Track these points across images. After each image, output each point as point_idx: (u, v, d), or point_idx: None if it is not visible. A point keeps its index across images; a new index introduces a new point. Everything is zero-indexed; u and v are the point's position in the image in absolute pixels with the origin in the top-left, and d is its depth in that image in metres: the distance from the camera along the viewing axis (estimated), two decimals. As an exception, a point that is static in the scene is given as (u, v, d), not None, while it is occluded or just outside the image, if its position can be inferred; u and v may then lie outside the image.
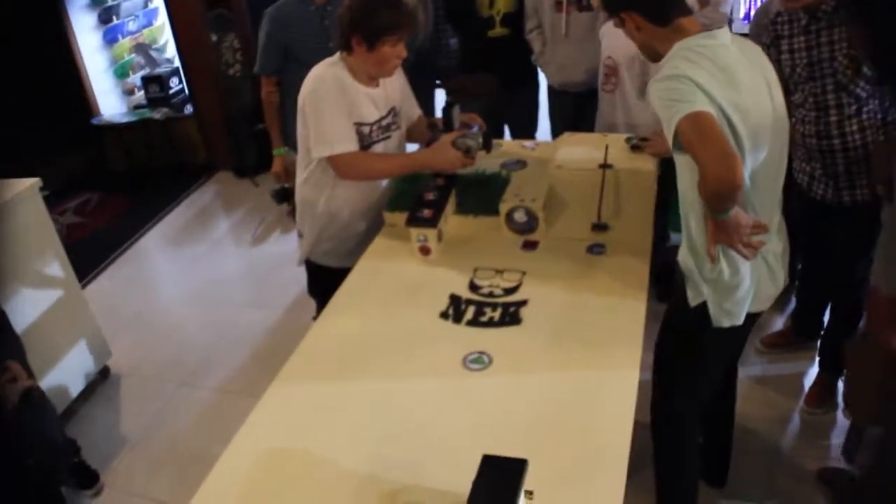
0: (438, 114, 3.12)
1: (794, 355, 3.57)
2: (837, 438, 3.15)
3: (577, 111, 4.10)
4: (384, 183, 2.96)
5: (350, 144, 2.71)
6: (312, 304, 3.37)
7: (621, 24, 2.17)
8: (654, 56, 2.17)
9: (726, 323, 2.19)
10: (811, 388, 3.35)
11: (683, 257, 2.21)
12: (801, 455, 3.08)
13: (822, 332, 3.43)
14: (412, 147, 3.30)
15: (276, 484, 1.82)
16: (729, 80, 1.96)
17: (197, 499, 1.79)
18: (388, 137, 2.90)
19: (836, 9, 2.68)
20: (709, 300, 2.17)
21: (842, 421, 3.21)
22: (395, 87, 2.92)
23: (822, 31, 2.72)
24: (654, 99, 1.97)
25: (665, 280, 4.26)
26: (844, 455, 2.99)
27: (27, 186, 3.51)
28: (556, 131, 4.25)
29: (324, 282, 2.90)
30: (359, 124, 2.75)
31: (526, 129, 4.40)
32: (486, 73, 4.11)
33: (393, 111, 2.91)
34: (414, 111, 3.09)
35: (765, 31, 2.94)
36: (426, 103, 4.41)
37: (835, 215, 2.98)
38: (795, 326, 3.59)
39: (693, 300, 2.20)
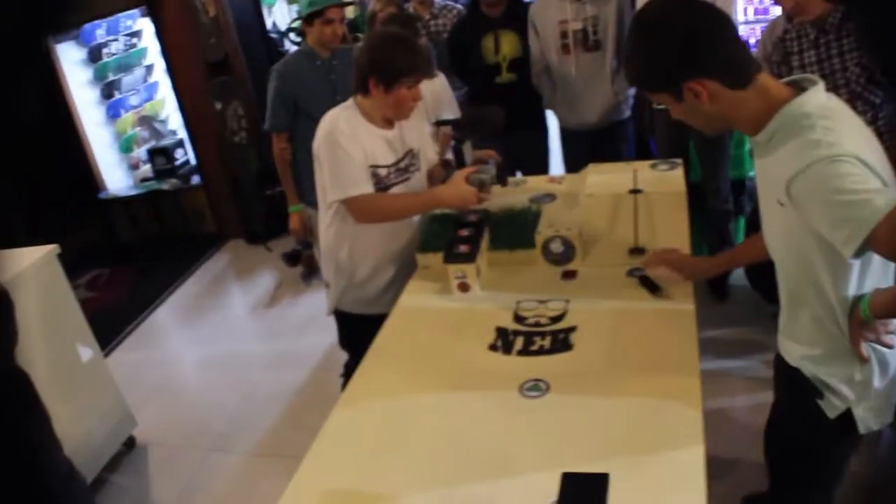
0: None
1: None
2: (887, 451, 3.08)
3: (592, 150, 4.11)
4: (414, 221, 2.94)
5: (364, 187, 2.70)
6: (337, 363, 3.32)
7: (678, 100, 1.72)
8: (722, 129, 1.84)
9: (876, 425, 1.92)
10: None
11: (815, 369, 1.91)
12: (854, 469, 2.99)
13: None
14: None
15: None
16: (867, 144, 1.66)
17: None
18: (407, 180, 2.88)
19: (843, 20, 2.71)
20: (854, 406, 1.88)
21: (888, 434, 3.14)
22: (413, 129, 2.91)
23: (832, 42, 2.74)
24: (814, 193, 1.60)
25: (720, 278, 4.24)
26: None
27: (45, 253, 3.49)
28: (569, 171, 4.26)
29: (355, 331, 2.85)
30: (374, 167, 2.75)
31: (538, 172, 4.41)
32: (493, 106, 4.11)
33: (410, 153, 2.90)
34: (433, 154, 3.09)
35: (774, 50, 2.96)
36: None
37: None
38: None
39: (833, 411, 1.90)
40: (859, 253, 1.56)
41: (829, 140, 1.57)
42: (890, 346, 1.80)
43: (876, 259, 1.72)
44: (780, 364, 2.05)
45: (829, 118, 1.62)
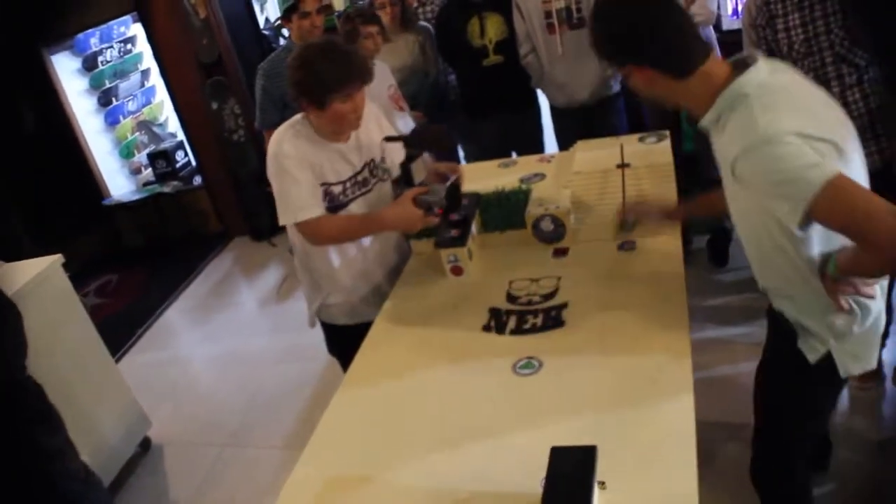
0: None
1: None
2: (891, 408, 3.14)
3: (583, 127, 4.11)
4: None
5: (312, 210, 2.51)
6: (346, 354, 3.36)
7: (627, 75, 1.84)
8: (672, 106, 1.91)
9: (857, 370, 1.94)
10: None
11: (797, 314, 1.94)
12: (859, 428, 3.06)
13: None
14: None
15: (346, 508, 1.80)
16: (811, 112, 1.68)
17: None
18: (368, 191, 2.71)
19: None
20: (835, 351, 1.90)
21: (892, 390, 3.18)
22: (372, 136, 2.71)
23: (816, 4, 2.73)
24: (755, 174, 1.65)
25: (719, 245, 4.28)
26: None
27: (49, 263, 3.54)
28: (564, 149, 4.27)
29: (342, 340, 2.76)
30: (327, 184, 2.58)
31: (533, 152, 4.41)
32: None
33: (372, 163, 2.72)
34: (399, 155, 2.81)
35: (759, 14, 2.96)
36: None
37: None
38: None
39: (813, 354, 1.93)
40: (803, 224, 1.63)
41: (766, 119, 1.61)
42: (871, 297, 1.82)
43: None
44: (769, 307, 2.07)
45: (768, 95, 1.66)
